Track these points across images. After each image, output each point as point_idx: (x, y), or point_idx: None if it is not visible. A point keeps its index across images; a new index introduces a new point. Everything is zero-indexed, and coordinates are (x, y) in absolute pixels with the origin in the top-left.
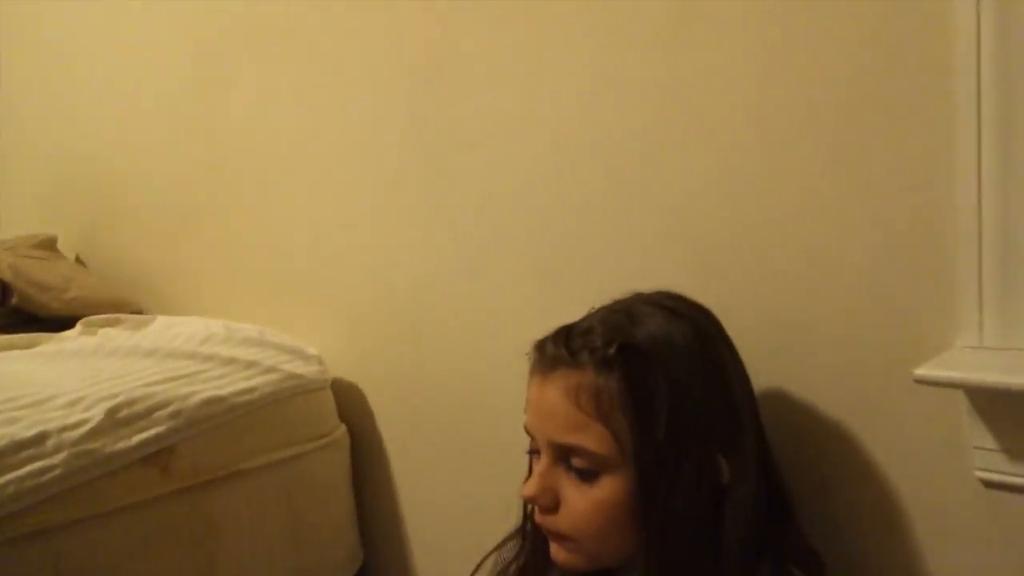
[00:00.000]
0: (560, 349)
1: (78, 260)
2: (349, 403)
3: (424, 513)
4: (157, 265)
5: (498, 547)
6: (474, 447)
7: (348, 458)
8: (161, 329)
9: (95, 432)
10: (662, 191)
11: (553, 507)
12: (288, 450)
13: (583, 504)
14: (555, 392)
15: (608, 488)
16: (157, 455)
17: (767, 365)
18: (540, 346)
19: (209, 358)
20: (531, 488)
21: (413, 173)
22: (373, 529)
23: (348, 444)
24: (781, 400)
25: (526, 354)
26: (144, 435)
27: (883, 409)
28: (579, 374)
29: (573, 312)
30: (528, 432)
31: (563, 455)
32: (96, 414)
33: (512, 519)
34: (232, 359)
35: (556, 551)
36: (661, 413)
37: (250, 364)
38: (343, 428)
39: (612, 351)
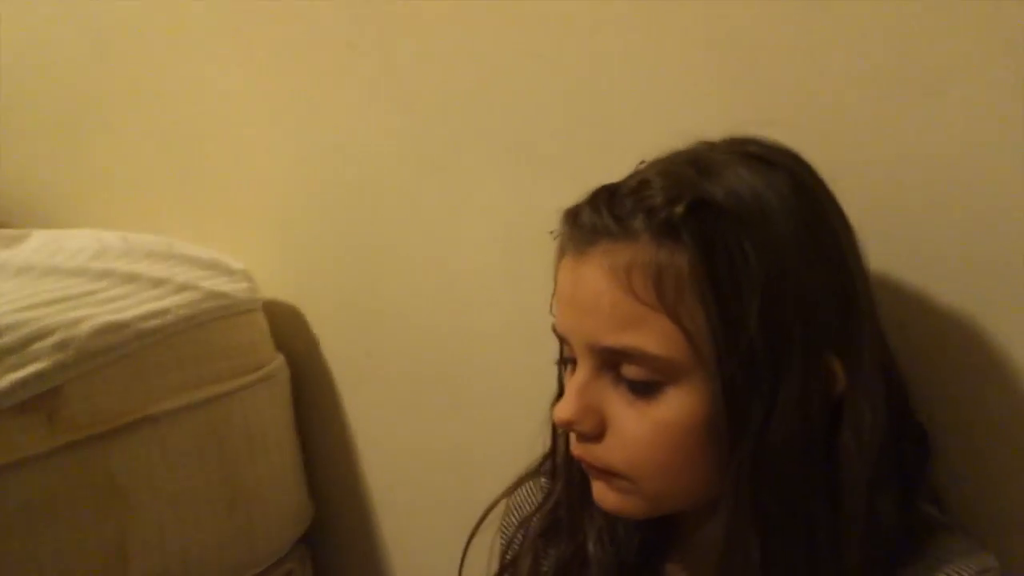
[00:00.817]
0: (602, 215)
1: None
2: (287, 330)
3: (386, 460)
4: (34, 179)
5: (510, 490)
6: (448, 379)
7: (288, 395)
8: (38, 245)
9: None
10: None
11: (598, 433)
12: (212, 388)
13: (642, 428)
14: (596, 275)
15: (676, 404)
16: (39, 400)
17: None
18: (572, 215)
19: (104, 275)
20: (567, 409)
21: (361, 45)
22: (323, 479)
23: (288, 378)
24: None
25: (551, 232)
26: (19, 374)
27: None
28: (631, 247)
29: (568, 199)
30: (558, 335)
31: (610, 362)
32: None
33: (497, 464)
34: (134, 275)
35: (602, 492)
36: (752, 298)
37: (158, 282)
38: (281, 359)
39: (679, 211)
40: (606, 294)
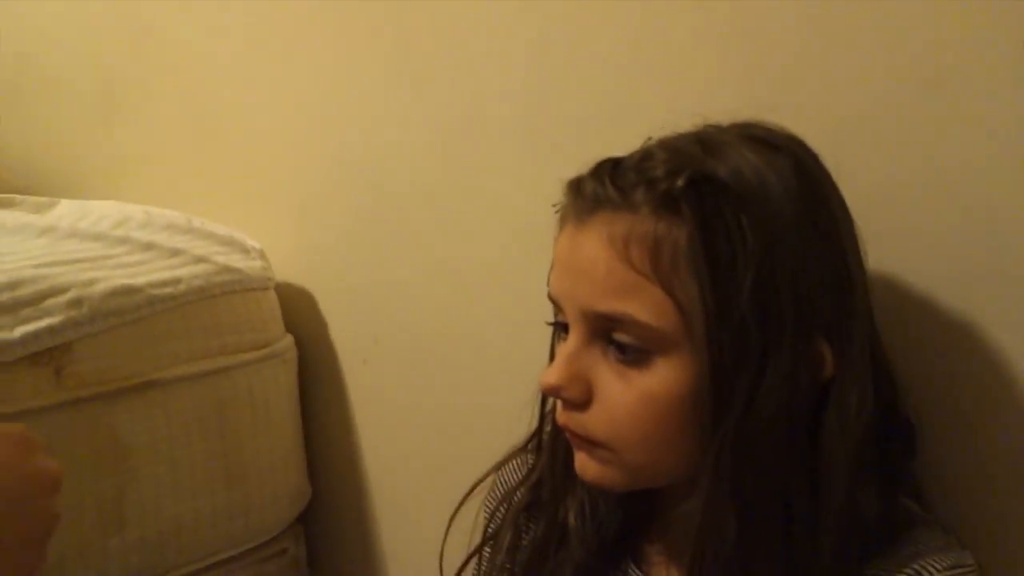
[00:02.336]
0: (605, 185)
1: None
2: (297, 311)
3: (386, 443)
4: (67, 154)
5: (498, 465)
6: (452, 364)
7: (294, 375)
8: (64, 212)
9: None
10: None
11: (584, 401)
12: (219, 360)
13: (627, 397)
14: (595, 242)
15: (664, 375)
16: (50, 354)
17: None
18: (575, 185)
19: (122, 241)
20: (555, 374)
21: (373, 26)
22: (323, 460)
23: (295, 358)
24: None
25: (554, 206)
26: (31, 326)
27: None
28: (630, 218)
29: None
30: (552, 300)
31: (602, 330)
32: None
33: (496, 452)
34: (151, 244)
35: (583, 462)
36: (746, 274)
37: (174, 252)
38: (289, 339)
39: (680, 184)
40: (602, 261)
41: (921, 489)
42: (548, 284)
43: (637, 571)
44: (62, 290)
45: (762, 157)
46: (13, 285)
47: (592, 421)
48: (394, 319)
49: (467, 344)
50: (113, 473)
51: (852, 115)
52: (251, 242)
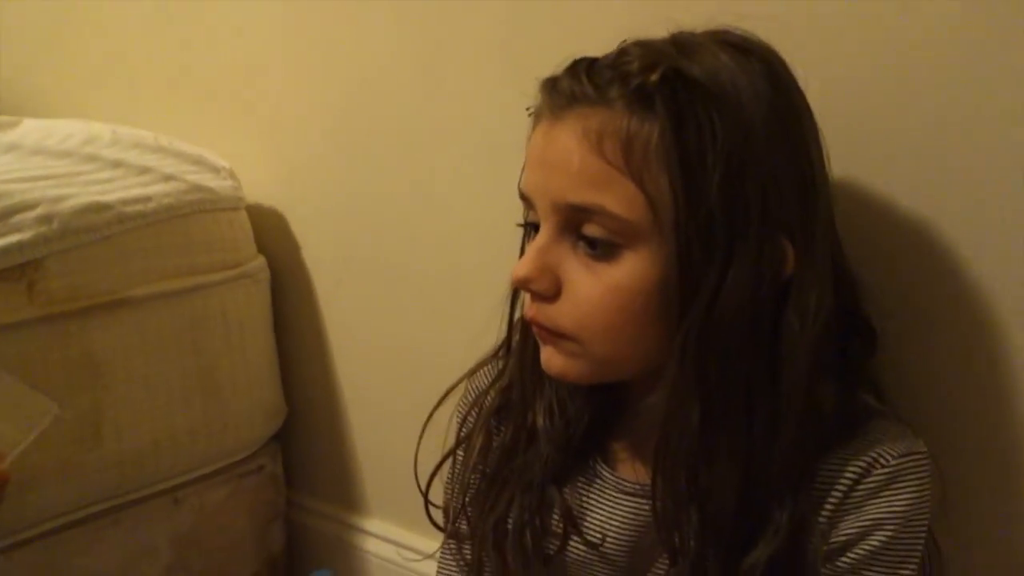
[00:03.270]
0: (580, 81)
1: None
2: (269, 232)
3: (361, 364)
4: (27, 73)
5: (471, 372)
6: (426, 285)
7: (268, 295)
8: (29, 130)
9: None
10: None
11: (552, 295)
12: (191, 278)
13: (595, 289)
14: (569, 137)
15: (631, 268)
16: (21, 269)
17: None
18: (551, 83)
19: (90, 159)
20: (525, 267)
21: None
22: (298, 380)
23: (268, 279)
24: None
25: (527, 109)
26: (1, 242)
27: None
28: (604, 113)
29: None
30: (524, 197)
31: (572, 224)
32: None
33: (471, 363)
34: (120, 162)
35: (549, 356)
36: (715, 171)
37: (143, 170)
38: (262, 259)
39: (654, 79)
40: (576, 153)
41: (879, 386)
42: (519, 183)
43: (604, 467)
44: (31, 206)
45: (736, 61)
46: None
47: (560, 313)
48: (367, 239)
49: (438, 262)
50: (89, 389)
51: (820, 22)
52: (221, 162)
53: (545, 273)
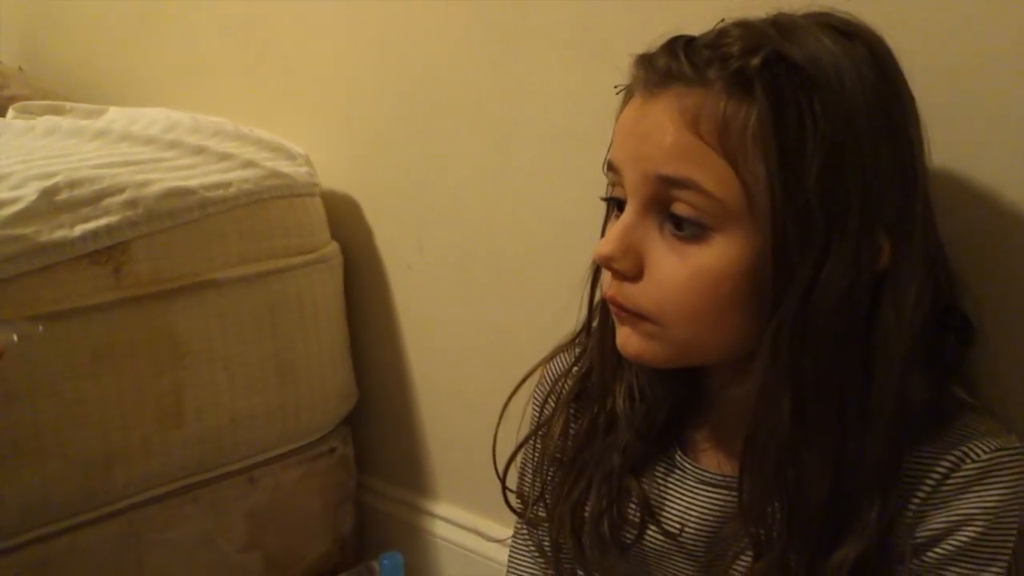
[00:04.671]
0: (678, 59)
1: (20, 71)
2: (342, 218)
3: (432, 349)
4: (113, 69)
5: (548, 358)
6: (499, 271)
7: (341, 281)
8: (114, 117)
9: (26, 215)
10: None
11: (635, 275)
12: (269, 262)
13: (680, 271)
14: (663, 113)
15: (720, 252)
16: (108, 253)
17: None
18: (646, 59)
19: (173, 145)
20: (609, 244)
21: None
22: (370, 364)
23: (341, 264)
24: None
25: (616, 87)
26: (90, 225)
27: None
28: (701, 94)
29: None
30: (611, 168)
31: (662, 201)
32: (27, 194)
33: (538, 352)
34: (201, 148)
35: (626, 336)
36: (815, 159)
37: (224, 156)
38: (335, 245)
39: (755, 63)
40: (671, 127)
41: (973, 381)
42: (607, 155)
43: (684, 457)
44: (118, 190)
45: (839, 45)
46: (73, 184)
47: (641, 293)
48: (439, 225)
49: (512, 247)
50: (171, 369)
51: (922, 4)
52: (296, 148)
53: (629, 252)
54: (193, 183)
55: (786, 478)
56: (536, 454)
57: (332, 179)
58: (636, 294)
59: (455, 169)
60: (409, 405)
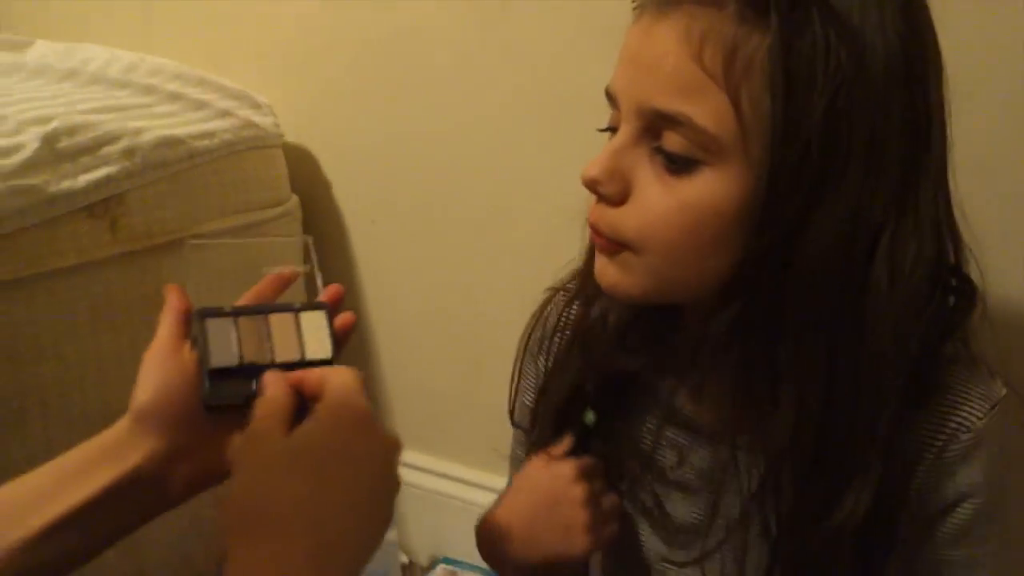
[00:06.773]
0: None
1: None
2: (298, 171)
3: (397, 306)
4: None
5: (549, 297)
6: (470, 224)
7: (301, 235)
8: (47, 51)
9: (33, 164)
10: None
11: (620, 200)
12: (246, 216)
13: (664, 201)
14: (669, 36)
15: (707, 186)
16: (105, 205)
17: None
18: None
19: (148, 90)
20: (596, 167)
21: None
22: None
23: (300, 219)
24: None
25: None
26: (93, 175)
27: None
28: (713, 15)
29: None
30: (610, 96)
31: (654, 130)
32: (30, 140)
33: (514, 308)
34: (177, 95)
35: (603, 266)
36: (822, 96)
37: (200, 104)
38: (296, 199)
39: None
40: (671, 56)
41: (969, 337)
42: (612, 78)
43: (669, 396)
44: (115, 137)
45: None
46: (72, 131)
47: (623, 219)
48: (404, 178)
49: (484, 204)
50: None
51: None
52: (260, 97)
53: (616, 176)
54: (181, 132)
55: (768, 431)
56: (540, 380)
57: (285, 129)
58: (618, 220)
59: (422, 121)
60: (372, 362)
